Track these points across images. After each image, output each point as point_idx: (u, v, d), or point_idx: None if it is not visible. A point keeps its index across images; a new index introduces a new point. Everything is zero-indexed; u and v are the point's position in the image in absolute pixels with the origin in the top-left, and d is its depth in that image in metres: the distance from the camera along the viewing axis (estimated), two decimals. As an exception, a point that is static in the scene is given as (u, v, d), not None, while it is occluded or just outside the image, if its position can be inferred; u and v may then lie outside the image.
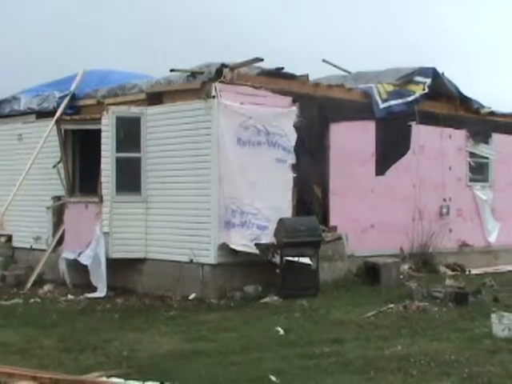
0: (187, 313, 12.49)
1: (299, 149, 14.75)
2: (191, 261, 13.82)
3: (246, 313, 12.18)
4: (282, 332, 10.55)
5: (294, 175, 14.59)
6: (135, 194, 14.92)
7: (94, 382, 4.78)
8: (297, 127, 14.67)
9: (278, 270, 13.51)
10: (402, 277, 15.20)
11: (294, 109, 14.60)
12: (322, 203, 15.43)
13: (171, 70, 14.42)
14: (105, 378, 5.09)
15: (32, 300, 14.21)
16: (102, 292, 14.45)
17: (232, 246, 13.54)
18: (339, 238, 14.90)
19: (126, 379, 5.20)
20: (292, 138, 14.57)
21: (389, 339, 9.94)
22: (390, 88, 16.85)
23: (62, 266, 15.79)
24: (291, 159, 14.56)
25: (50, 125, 16.30)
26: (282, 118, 14.45)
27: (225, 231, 13.61)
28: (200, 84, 13.92)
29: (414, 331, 10.47)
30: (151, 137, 14.86)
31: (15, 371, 4.94)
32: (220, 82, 13.73)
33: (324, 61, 19.62)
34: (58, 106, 16.65)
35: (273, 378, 7.92)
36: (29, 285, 15.64)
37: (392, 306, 12.20)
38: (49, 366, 8.41)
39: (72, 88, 16.81)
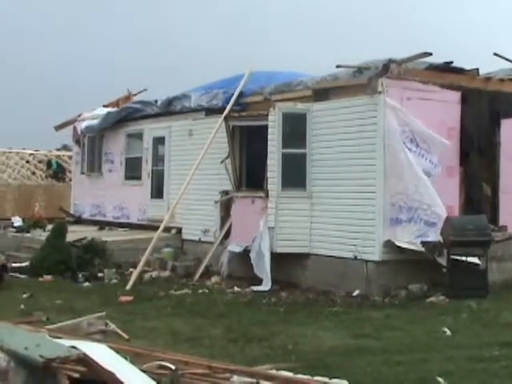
0: (351, 309, 12.45)
1: (467, 145, 14.29)
2: (355, 257, 13.76)
3: (411, 312, 11.97)
4: (448, 333, 10.27)
5: (462, 172, 14.15)
6: (300, 189, 15.06)
7: (265, 374, 4.89)
8: (464, 123, 14.22)
9: (444, 269, 13.16)
10: None
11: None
12: (492, 202, 14.86)
13: (337, 66, 14.43)
14: (274, 371, 5.20)
15: (200, 291, 14.70)
16: (266, 285, 14.70)
17: (397, 243, 13.34)
18: (510, 238, 14.29)
19: (295, 373, 5.29)
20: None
21: None
22: None
23: (224, 259, 16.25)
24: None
25: (218, 121, 16.81)
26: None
27: (390, 228, 13.44)
28: (366, 79, 13.81)
29: None
30: (316, 133, 14.94)
31: (191, 360, 5.16)
32: (386, 77, 13.56)
33: (495, 54, 18.80)
34: (226, 103, 17.15)
35: (440, 379, 7.73)
36: (197, 276, 16.20)
37: None
38: (217, 356, 8.65)
39: (240, 86, 17.25)
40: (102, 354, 4.64)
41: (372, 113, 13.70)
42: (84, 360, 4.33)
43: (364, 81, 13.88)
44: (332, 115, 14.63)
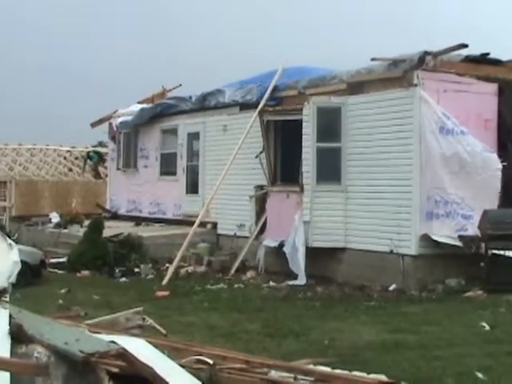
0: (387, 304, 12.38)
1: (505, 137, 14.08)
2: (391, 251, 13.67)
3: (448, 306, 11.86)
4: (487, 328, 10.15)
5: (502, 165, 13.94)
6: (335, 183, 15.00)
7: (303, 369, 4.88)
8: (501, 115, 14.02)
9: (482, 264, 13.01)
10: None
11: None
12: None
13: (372, 59, 14.32)
14: (312, 366, 5.19)
15: (236, 285, 14.75)
16: (302, 280, 14.69)
17: (434, 238, 13.23)
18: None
19: (332, 368, 5.27)
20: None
21: None
22: None
23: (260, 253, 16.26)
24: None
25: (253, 116, 16.81)
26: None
27: (426, 222, 13.33)
28: (401, 72, 13.70)
29: None
30: (351, 126, 14.86)
31: (229, 354, 5.17)
32: (422, 69, 13.43)
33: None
34: (261, 98, 17.13)
35: (479, 374, 7.64)
36: (233, 271, 16.24)
37: None
38: (253, 351, 8.65)
39: (273, 81, 17.22)
40: (141, 349, 4.67)
41: (407, 106, 13.59)
42: (123, 355, 4.36)
43: (399, 73, 13.76)
44: (367, 109, 14.54)
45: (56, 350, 4.18)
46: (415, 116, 13.43)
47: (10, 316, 4.59)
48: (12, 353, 4.16)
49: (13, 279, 5.18)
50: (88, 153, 30.71)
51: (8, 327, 4.43)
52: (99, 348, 4.26)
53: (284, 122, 16.58)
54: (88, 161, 30.17)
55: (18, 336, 4.33)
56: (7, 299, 4.99)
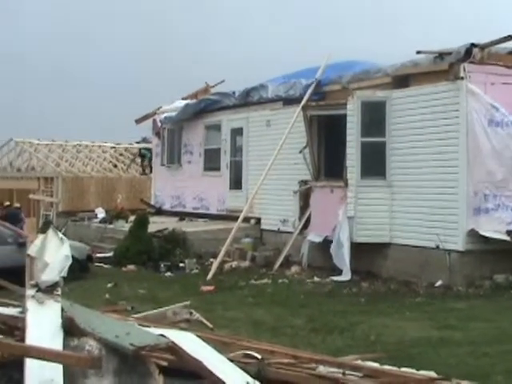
0: (433, 300, 12.26)
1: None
2: (437, 247, 13.51)
3: (496, 302, 11.70)
4: (537, 324, 9.99)
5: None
6: (380, 178, 14.88)
7: (351, 365, 4.86)
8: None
9: (531, 259, 12.79)
10: None
11: None
12: None
13: (418, 52, 14.14)
14: (360, 362, 5.16)
15: (280, 280, 14.74)
16: (346, 276, 14.61)
17: (482, 233, 13.03)
18: None
19: (380, 364, 5.24)
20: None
21: None
22: None
23: (304, 248, 16.22)
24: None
25: (296, 111, 16.76)
26: None
27: (474, 217, 13.14)
28: (448, 65, 13.52)
29: None
30: (396, 121, 14.72)
31: (276, 349, 5.17)
32: (469, 62, 13.24)
33: None
34: (304, 93, 17.07)
35: (529, 372, 7.52)
36: (276, 266, 16.23)
37: None
38: (299, 346, 8.63)
39: (317, 76, 17.15)
40: (190, 343, 4.70)
41: (454, 99, 13.40)
42: (172, 348, 4.39)
43: (445, 66, 13.58)
44: (412, 102, 14.38)
45: (107, 343, 4.23)
46: (462, 109, 13.24)
47: (62, 309, 4.66)
48: (64, 346, 4.22)
49: (64, 273, 5.25)
50: (140, 150, 31.02)
51: (60, 320, 4.49)
52: (149, 341, 4.30)
53: (328, 116, 16.50)
54: (137, 159, 30.53)
55: (69, 329, 4.39)
56: (59, 293, 5.05)
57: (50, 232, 5.85)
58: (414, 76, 14.56)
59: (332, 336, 9.66)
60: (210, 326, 7.88)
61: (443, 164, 13.66)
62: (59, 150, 31.28)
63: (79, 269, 14.41)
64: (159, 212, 22.93)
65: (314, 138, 16.93)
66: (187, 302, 7.99)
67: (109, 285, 13.94)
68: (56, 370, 3.91)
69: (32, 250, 5.61)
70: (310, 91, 16.93)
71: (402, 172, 14.63)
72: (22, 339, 4.35)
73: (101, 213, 22.96)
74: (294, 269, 15.86)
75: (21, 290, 5.59)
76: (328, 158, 16.95)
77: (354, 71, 16.51)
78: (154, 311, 7.30)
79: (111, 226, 20.55)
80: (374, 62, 16.97)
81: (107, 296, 12.59)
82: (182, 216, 21.45)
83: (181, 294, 12.77)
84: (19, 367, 4.10)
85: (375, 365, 5.26)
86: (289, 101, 17.84)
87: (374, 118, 14.99)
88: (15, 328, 4.74)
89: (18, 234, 15.35)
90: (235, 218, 16.96)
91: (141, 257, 16.79)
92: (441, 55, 13.87)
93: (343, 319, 10.71)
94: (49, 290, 5.05)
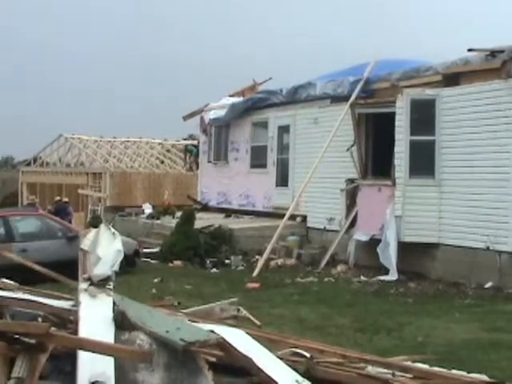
0: (483, 301, 12.07)
1: None
2: (488, 248, 13.29)
3: (548, 305, 11.46)
4: None
5: None
6: (429, 177, 14.70)
7: (401, 366, 4.80)
8: None
9: None
10: None
11: None
12: None
13: (469, 50, 13.94)
14: (409, 363, 5.10)
15: (326, 279, 14.68)
16: (393, 275, 14.47)
17: (533, 234, 12.79)
18: None
19: (429, 366, 5.16)
20: None
21: None
22: None
23: (350, 247, 16.12)
24: None
25: (344, 109, 16.65)
26: None
27: (526, 217, 12.89)
28: (500, 63, 13.29)
29: None
30: (446, 119, 14.52)
31: (326, 348, 5.14)
32: (522, 60, 12.99)
33: None
34: (352, 90, 16.95)
35: None
36: (322, 264, 16.17)
37: None
38: (345, 345, 8.56)
39: (365, 73, 17.01)
40: (239, 340, 4.68)
41: (507, 98, 13.16)
42: (222, 344, 4.37)
43: (497, 64, 13.35)
44: (463, 101, 14.17)
45: (157, 337, 4.23)
46: (515, 108, 13.00)
47: (114, 303, 4.69)
48: (115, 339, 4.24)
49: (116, 267, 5.29)
50: (186, 146, 31.21)
51: (112, 314, 4.52)
52: (199, 337, 4.29)
53: (376, 114, 16.36)
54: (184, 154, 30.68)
55: (121, 323, 4.42)
56: (111, 287, 5.09)
57: (103, 226, 5.89)
58: (465, 74, 14.34)
59: (379, 336, 9.57)
60: (258, 323, 7.86)
61: (494, 164, 13.42)
62: (107, 146, 31.68)
63: (126, 264, 14.53)
64: (205, 208, 23.04)
65: (362, 136, 16.81)
66: (235, 299, 7.98)
67: (155, 280, 14.05)
68: (108, 363, 3.93)
69: (85, 244, 5.67)
70: (358, 89, 16.79)
71: (451, 171, 14.43)
72: (75, 332, 4.39)
73: (148, 208, 23.18)
74: (340, 267, 15.76)
75: (73, 283, 5.65)
76: (375, 156, 16.81)
77: (404, 69, 16.33)
78: (202, 307, 7.31)
79: (158, 222, 20.72)
80: (424, 60, 16.77)
81: (154, 291, 12.69)
82: (228, 212, 21.52)
83: (226, 290, 12.81)
84: (71, 360, 4.14)
85: (424, 366, 5.18)
86: (337, 98, 17.73)
87: (424, 116, 14.81)
88: (68, 321, 4.79)
89: (68, 228, 15.58)
90: (281, 216, 16.93)
91: (187, 253, 16.89)
92: (493, 53, 13.64)
93: (390, 319, 10.60)
94: (101, 283, 5.09)
